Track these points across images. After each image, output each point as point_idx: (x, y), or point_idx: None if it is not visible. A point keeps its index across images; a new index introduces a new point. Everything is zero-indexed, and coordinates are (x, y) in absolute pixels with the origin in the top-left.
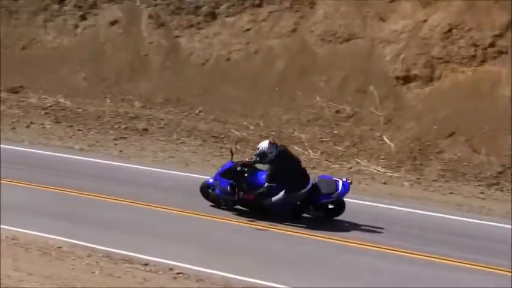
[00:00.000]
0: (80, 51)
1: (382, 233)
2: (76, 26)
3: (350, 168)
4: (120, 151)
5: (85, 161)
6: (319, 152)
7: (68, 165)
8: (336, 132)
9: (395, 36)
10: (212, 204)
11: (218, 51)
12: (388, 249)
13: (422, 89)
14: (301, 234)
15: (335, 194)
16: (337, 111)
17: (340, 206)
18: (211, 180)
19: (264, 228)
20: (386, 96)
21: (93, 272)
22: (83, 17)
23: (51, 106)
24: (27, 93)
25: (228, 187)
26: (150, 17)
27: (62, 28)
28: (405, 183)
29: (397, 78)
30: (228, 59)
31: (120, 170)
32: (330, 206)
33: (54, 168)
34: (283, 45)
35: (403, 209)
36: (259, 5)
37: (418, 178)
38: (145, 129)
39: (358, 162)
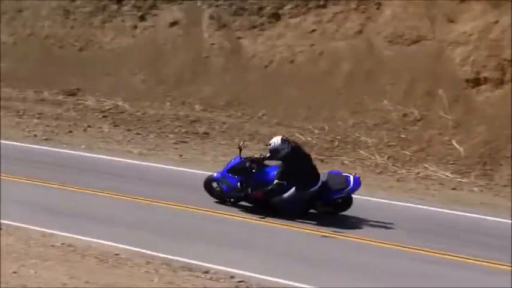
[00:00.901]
0: (139, 52)
1: (451, 240)
2: (135, 27)
3: (418, 173)
4: (180, 155)
5: (144, 165)
6: (385, 156)
7: (126, 170)
8: (403, 136)
9: (465, 38)
10: (217, 200)
11: (281, 53)
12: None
13: (492, 92)
14: (380, 244)
15: (346, 190)
16: (405, 115)
17: (348, 201)
18: (215, 175)
19: (329, 235)
20: (456, 99)
21: (152, 280)
22: (142, 18)
23: (109, 109)
24: (84, 95)
25: (238, 184)
26: (211, 17)
27: (121, 29)
28: (475, 188)
29: (467, 81)
30: (292, 61)
31: (180, 175)
32: (339, 201)
33: (112, 173)
34: (349, 47)
35: (471, 215)
36: (324, 6)
37: (488, 183)
38: (206, 133)
39: (426, 168)
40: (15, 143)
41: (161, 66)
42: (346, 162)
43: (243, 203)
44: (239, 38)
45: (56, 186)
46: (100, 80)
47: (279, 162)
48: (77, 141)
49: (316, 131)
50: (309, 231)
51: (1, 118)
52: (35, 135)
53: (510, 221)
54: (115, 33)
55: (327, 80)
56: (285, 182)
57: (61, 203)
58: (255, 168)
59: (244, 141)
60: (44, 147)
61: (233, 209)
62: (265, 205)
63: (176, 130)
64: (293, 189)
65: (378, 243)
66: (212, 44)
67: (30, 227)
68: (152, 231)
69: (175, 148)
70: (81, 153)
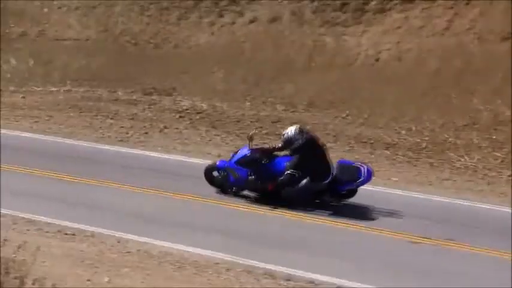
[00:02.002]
0: (217, 50)
1: None
2: (213, 24)
3: (510, 175)
4: None
5: None
6: (475, 158)
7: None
8: (494, 137)
9: None
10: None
11: (366, 50)
12: None
13: None
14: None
15: (358, 181)
16: (496, 115)
17: (353, 190)
18: (218, 163)
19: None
20: None
21: None
22: (220, 14)
23: (186, 109)
24: (160, 95)
25: (248, 176)
26: (292, 13)
27: (198, 26)
28: None
29: None
30: (377, 59)
31: None
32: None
33: (191, 176)
34: (437, 44)
35: None
36: (411, 1)
37: None
38: None
39: None
40: (90, 144)
41: (240, 65)
42: (434, 164)
43: (245, 192)
44: (322, 35)
45: (137, 190)
46: (177, 79)
47: (290, 152)
48: (153, 143)
49: (403, 132)
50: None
51: (75, 118)
52: (109, 136)
53: None
54: (192, 30)
55: (413, 78)
56: (298, 174)
57: (138, 208)
58: (264, 158)
59: (255, 130)
60: (120, 149)
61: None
62: (274, 195)
63: (257, 131)
64: (305, 180)
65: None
66: (293, 42)
67: (104, 231)
68: (232, 237)
69: None
70: (158, 155)
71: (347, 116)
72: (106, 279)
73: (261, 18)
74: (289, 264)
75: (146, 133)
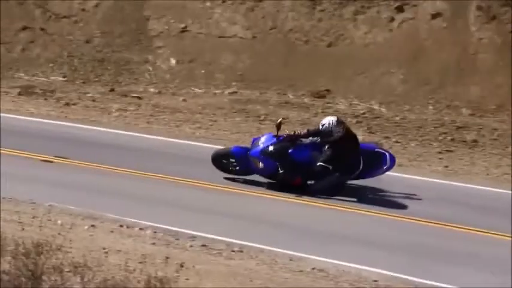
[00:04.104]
0: (397, 48)
1: None
2: (392, 19)
3: None
4: (446, 167)
5: (405, 178)
6: None
7: (386, 183)
8: None
9: None
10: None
11: None
12: None
13: None
14: None
15: (382, 169)
16: None
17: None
18: (233, 149)
19: None
20: None
21: None
22: (400, 9)
23: (363, 113)
24: (334, 98)
25: (278, 169)
26: (479, 8)
27: (375, 22)
28: None
29: None
30: None
31: (445, 188)
32: None
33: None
34: None
35: None
36: None
37: None
38: (475, 141)
39: None
40: None
41: (422, 64)
42: None
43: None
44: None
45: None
46: (352, 80)
47: (315, 139)
48: None
49: None
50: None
51: (241, 123)
52: None
53: None
54: (369, 27)
55: None
56: (330, 167)
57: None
58: (290, 146)
59: (283, 118)
60: None
61: None
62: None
63: (440, 138)
64: (337, 174)
65: None
66: (480, 39)
67: (275, 249)
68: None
69: (440, 158)
70: None
71: None
72: None
73: (445, 13)
74: None
75: None
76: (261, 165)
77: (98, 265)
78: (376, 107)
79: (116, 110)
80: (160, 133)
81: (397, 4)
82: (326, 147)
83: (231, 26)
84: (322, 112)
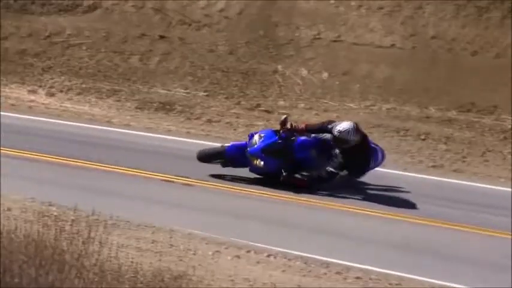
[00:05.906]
0: None
1: None
2: None
3: None
4: None
5: None
6: None
7: None
8: None
9: None
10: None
11: None
12: None
13: None
14: None
15: (374, 163)
16: None
17: None
18: (229, 146)
19: None
20: None
21: None
22: None
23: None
24: (480, 112)
25: (282, 170)
26: None
27: None
28: None
29: None
30: None
31: None
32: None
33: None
34: None
35: None
36: None
37: None
38: None
39: None
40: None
41: None
42: None
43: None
44: None
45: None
46: (499, 93)
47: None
48: (471, 170)
49: None
50: None
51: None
52: (420, 161)
53: None
54: None
55: None
56: (338, 172)
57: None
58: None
59: (288, 115)
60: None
61: None
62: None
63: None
64: (345, 174)
65: None
66: None
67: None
68: None
69: None
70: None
71: None
72: None
73: None
74: None
75: (464, 158)
76: (261, 163)
77: None
78: None
79: None
80: None
81: None
82: (337, 151)
83: (367, 34)
84: (467, 127)
